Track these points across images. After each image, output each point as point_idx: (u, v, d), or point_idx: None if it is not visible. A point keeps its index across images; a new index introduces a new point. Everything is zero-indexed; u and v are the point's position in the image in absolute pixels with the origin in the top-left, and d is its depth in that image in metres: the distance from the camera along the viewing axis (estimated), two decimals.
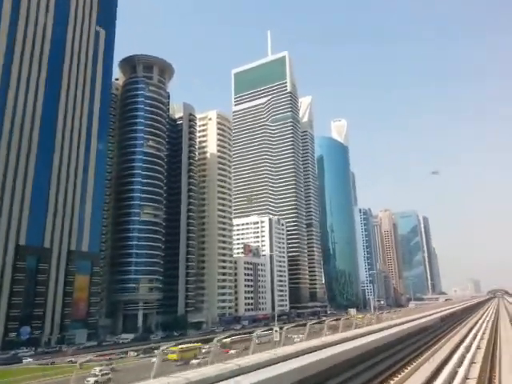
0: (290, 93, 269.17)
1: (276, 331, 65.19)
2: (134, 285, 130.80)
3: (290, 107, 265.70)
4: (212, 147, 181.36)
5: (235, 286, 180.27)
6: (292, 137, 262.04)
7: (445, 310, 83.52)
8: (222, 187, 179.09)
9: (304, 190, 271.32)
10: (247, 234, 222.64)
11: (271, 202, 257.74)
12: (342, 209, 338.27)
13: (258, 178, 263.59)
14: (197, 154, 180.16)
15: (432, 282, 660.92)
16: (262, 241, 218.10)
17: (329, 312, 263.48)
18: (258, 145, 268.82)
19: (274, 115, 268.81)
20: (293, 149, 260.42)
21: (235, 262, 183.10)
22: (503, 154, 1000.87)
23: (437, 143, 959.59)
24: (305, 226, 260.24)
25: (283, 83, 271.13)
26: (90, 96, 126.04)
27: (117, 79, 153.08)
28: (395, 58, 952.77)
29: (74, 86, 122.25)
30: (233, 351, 42.20)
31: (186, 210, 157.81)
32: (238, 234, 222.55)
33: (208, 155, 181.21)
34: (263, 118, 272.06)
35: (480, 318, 79.39)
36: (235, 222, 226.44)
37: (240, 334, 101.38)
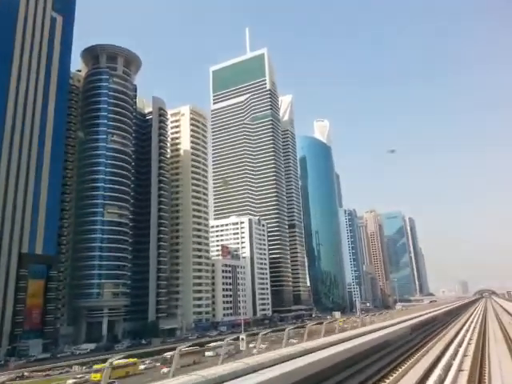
0: (270, 90, 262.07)
1: (242, 339, 56.43)
2: (97, 290, 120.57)
3: (270, 105, 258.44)
4: (185, 144, 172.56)
5: (213, 290, 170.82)
6: (272, 135, 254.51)
7: (422, 314, 75.52)
8: (197, 185, 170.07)
9: (286, 189, 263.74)
10: (226, 235, 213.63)
11: (252, 202, 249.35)
12: (326, 210, 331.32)
13: (238, 178, 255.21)
14: (169, 151, 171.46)
15: (419, 283, 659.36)
16: (242, 242, 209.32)
17: (314, 315, 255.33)
18: (238, 144, 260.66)
19: (254, 113, 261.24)
20: (273, 148, 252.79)
21: (213, 265, 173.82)
22: (491, 154, 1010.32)
23: (424, 144, 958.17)
24: (287, 226, 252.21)
25: (262, 81, 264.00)
26: (44, 88, 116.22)
27: (79, 71, 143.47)
28: (381, 54, 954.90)
29: (25, 76, 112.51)
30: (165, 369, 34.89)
31: (157, 210, 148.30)
32: (217, 236, 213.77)
33: (181, 152, 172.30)
34: (242, 116, 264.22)
35: (464, 324, 71.60)
36: (214, 223, 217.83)
37: (211, 341, 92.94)
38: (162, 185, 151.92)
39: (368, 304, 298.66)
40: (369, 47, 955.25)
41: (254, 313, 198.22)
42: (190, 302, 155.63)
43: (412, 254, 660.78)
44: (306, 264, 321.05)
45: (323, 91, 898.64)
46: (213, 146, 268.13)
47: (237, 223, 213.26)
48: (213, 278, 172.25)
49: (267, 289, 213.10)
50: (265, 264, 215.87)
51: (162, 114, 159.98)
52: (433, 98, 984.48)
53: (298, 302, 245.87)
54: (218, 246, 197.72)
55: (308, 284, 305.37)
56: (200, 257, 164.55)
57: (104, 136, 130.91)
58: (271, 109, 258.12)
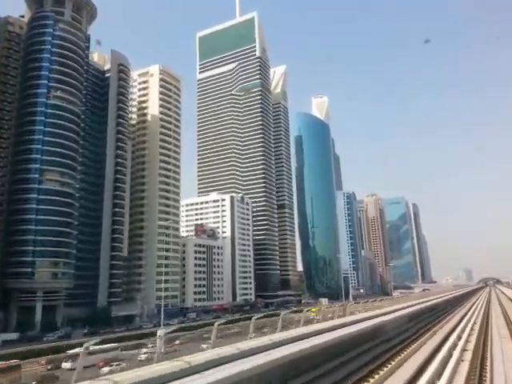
0: (260, 58, 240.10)
1: (159, 338, 37.21)
2: (30, 269, 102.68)
3: (259, 74, 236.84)
4: (153, 108, 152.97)
5: (183, 273, 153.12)
6: (261, 108, 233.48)
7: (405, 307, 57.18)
8: (166, 156, 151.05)
9: (276, 167, 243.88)
10: (206, 213, 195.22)
11: (238, 179, 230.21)
12: (322, 192, 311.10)
13: (224, 153, 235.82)
14: (135, 116, 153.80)
15: (422, 270, 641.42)
16: (223, 221, 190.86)
17: (304, 301, 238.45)
18: (225, 117, 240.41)
19: (242, 83, 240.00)
20: (262, 121, 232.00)
21: (184, 245, 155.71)
22: (498, 139, 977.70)
23: (430, 124, 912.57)
24: (276, 206, 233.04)
25: (252, 47, 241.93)
26: None
27: (22, 16, 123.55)
28: (384, 28, 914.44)
29: None
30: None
31: (112, 181, 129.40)
32: (196, 215, 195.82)
33: (148, 118, 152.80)
34: (230, 86, 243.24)
35: (460, 321, 52.82)
36: (194, 200, 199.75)
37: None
38: (119, 152, 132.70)
39: (362, 290, 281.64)
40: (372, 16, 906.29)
41: (234, 298, 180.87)
42: (153, 286, 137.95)
43: (415, 241, 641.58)
44: (300, 248, 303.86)
45: (323, 68, 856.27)
46: (198, 119, 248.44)
47: (217, 200, 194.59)
48: (183, 259, 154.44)
49: (250, 272, 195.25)
50: (248, 245, 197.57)
51: (122, 71, 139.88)
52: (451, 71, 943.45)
53: (286, 286, 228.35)
54: (197, 225, 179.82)
55: (300, 268, 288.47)
56: (168, 235, 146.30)
57: (44, 90, 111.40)
58: (260, 78, 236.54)
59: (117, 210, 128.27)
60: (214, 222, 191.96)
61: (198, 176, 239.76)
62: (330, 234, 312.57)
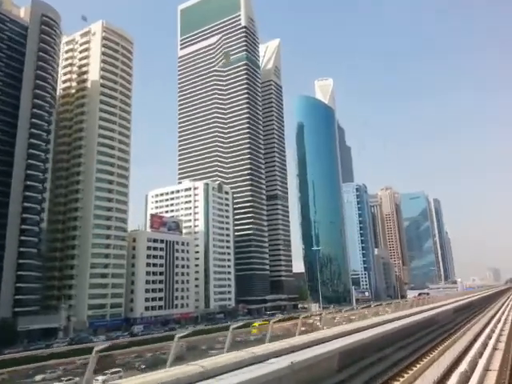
0: (245, 28, 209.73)
1: None
2: None
3: (245, 46, 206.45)
4: (94, 73, 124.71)
5: (132, 274, 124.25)
6: (247, 84, 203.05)
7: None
8: (110, 130, 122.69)
9: (266, 152, 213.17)
10: (177, 204, 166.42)
11: (222, 166, 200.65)
12: (326, 181, 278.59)
13: (207, 137, 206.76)
14: (74, 83, 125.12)
15: (444, 270, 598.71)
16: (195, 213, 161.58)
17: (300, 306, 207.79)
18: (207, 96, 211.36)
19: (226, 57, 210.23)
20: (248, 99, 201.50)
21: (134, 240, 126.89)
22: None
23: (453, 113, 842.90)
24: (265, 197, 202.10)
25: (236, 17, 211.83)
26: None
27: None
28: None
29: None
30: None
31: (24, 158, 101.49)
32: (166, 206, 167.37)
33: (88, 85, 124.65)
34: (213, 62, 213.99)
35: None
36: (164, 190, 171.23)
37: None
38: (35, 120, 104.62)
39: (367, 293, 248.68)
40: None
41: (207, 304, 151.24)
42: (86, 291, 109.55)
43: (437, 239, 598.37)
44: (302, 246, 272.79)
45: (332, 55, 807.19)
46: (179, 100, 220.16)
47: (189, 189, 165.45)
48: (133, 257, 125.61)
49: (229, 273, 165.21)
50: (227, 241, 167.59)
51: (46, 23, 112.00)
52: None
53: (277, 290, 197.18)
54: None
55: (296, 269, 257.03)
56: (109, 227, 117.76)
57: None
58: (246, 51, 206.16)
59: (28, 193, 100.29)
60: (186, 215, 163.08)
61: (179, 163, 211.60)
62: (336, 230, 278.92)
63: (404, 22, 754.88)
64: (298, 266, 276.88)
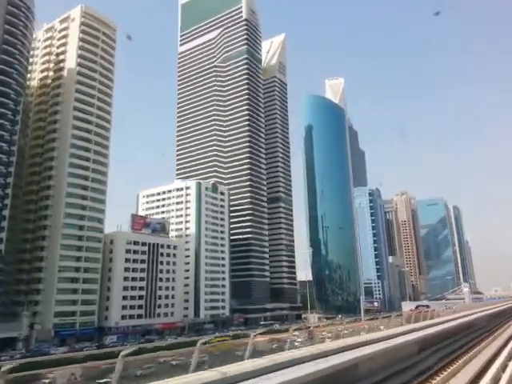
0: (247, 21, 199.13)
1: None
2: None
3: (246, 40, 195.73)
4: (71, 61, 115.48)
5: (109, 279, 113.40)
6: (248, 80, 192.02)
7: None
8: (86, 122, 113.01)
9: (268, 152, 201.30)
10: (169, 205, 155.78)
11: (221, 166, 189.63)
12: (335, 185, 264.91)
13: (205, 135, 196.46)
14: (51, 72, 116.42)
15: (465, 280, 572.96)
16: (187, 214, 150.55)
17: (304, 316, 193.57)
18: (206, 93, 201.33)
19: (226, 53, 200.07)
20: (248, 95, 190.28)
21: (111, 242, 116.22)
22: None
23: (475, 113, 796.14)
24: (265, 199, 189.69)
25: (237, 9, 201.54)
26: None
27: None
28: None
29: None
30: None
31: None
32: (157, 207, 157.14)
33: (65, 73, 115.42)
34: (213, 57, 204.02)
35: None
36: (155, 190, 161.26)
37: None
38: None
39: (376, 304, 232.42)
40: None
41: (196, 313, 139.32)
42: (53, 297, 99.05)
43: (456, 248, 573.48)
44: (310, 253, 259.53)
45: (343, 54, 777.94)
46: (178, 97, 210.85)
47: (181, 189, 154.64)
48: (110, 260, 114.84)
49: (224, 279, 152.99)
50: (222, 245, 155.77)
51: (13, 4, 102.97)
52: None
53: (278, 298, 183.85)
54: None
55: (301, 277, 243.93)
56: (82, 227, 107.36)
57: None
58: (247, 45, 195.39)
59: None
60: (178, 216, 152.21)
61: (177, 162, 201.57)
62: (346, 236, 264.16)
63: (429, 14, 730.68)
64: (306, 274, 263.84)
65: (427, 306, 68.11)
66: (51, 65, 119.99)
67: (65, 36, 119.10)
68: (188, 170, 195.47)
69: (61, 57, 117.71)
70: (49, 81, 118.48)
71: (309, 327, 42.98)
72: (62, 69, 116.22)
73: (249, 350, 12.75)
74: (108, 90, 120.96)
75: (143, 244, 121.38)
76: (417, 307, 73.52)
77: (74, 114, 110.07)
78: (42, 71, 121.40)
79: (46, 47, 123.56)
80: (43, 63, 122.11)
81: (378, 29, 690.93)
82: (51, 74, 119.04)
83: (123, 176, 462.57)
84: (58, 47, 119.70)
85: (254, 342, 13.35)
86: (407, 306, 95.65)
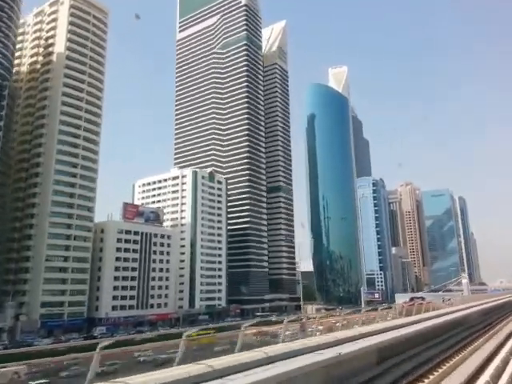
0: (246, 6, 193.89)
1: None
2: None
3: (246, 26, 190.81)
4: (60, 45, 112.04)
5: (99, 270, 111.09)
6: (247, 67, 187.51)
7: None
8: (76, 108, 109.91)
9: (268, 141, 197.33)
10: (164, 194, 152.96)
11: (219, 154, 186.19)
12: (337, 174, 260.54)
13: (203, 123, 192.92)
14: (41, 57, 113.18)
15: (469, 271, 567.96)
16: (183, 203, 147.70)
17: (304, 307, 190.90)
18: (205, 80, 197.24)
19: (225, 39, 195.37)
20: (247, 83, 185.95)
21: (102, 231, 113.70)
22: None
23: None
24: (265, 189, 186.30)
25: None
26: None
27: None
28: None
29: None
30: None
31: None
32: (153, 196, 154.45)
33: (54, 58, 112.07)
34: (212, 44, 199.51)
35: None
36: (151, 179, 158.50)
37: None
38: None
39: (377, 295, 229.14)
40: None
41: (192, 304, 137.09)
42: (40, 287, 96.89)
43: (461, 239, 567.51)
44: (311, 244, 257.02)
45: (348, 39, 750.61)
46: (176, 85, 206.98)
47: (177, 177, 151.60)
48: (101, 250, 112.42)
49: (220, 270, 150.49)
50: (219, 235, 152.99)
51: None
52: None
53: (277, 289, 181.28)
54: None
55: (306, 267, 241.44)
56: (71, 216, 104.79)
57: None
58: (247, 30, 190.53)
59: None
60: (173, 205, 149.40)
61: (175, 151, 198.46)
62: (348, 227, 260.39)
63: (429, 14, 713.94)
64: (308, 265, 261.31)
65: (422, 298, 64.63)
66: (41, 49, 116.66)
67: (54, 20, 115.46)
68: (186, 158, 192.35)
69: (50, 41, 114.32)
70: (38, 66, 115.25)
71: (301, 319, 40.14)
72: (51, 53, 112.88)
73: (239, 344, 11.85)
74: (99, 75, 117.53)
75: (135, 233, 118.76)
76: (411, 299, 69.83)
77: (62, 99, 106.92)
78: (32, 56, 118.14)
79: (35, 31, 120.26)
80: (33, 48, 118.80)
81: (378, 28, 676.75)
82: (40, 58, 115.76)
83: (122, 167, 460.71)
84: (47, 31, 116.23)
85: (235, 335, 12.56)
86: (401, 299, 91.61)
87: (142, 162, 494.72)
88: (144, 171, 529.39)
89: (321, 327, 27.43)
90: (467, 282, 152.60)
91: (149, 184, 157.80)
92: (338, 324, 24.32)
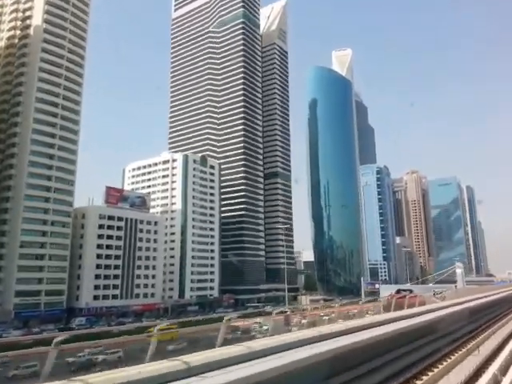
0: None
1: None
2: None
3: (242, 2, 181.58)
4: (38, 18, 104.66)
5: (79, 257, 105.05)
6: (243, 46, 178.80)
7: None
8: (53, 84, 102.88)
9: (266, 124, 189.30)
10: (155, 179, 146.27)
11: (214, 139, 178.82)
12: (340, 162, 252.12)
13: (199, 106, 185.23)
14: (18, 31, 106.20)
15: (476, 262, 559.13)
16: (173, 189, 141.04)
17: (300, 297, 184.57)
18: (200, 60, 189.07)
19: (221, 17, 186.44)
20: (244, 62, 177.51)
21: (83, 216, 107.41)
22: None
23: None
24: (261, 174, 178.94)
25: None
26: None
27: None
28: None
29: None
30: None
31: None
32: (142, 181, 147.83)
33: (31, 31, 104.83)
34: (207, 22, 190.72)
35: None
36: (141, 163, 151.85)
37: None
38: None
39: (377, 286, 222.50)
40: None
41: (181, 294, 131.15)
42: (14, 275, 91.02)
43: (469, 229, 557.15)
44: (313, 232, 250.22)
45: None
46: (171, 66, 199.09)
47: (168, 161, 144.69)
48: (81, 237, 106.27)
49: (213, 258, 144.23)
50: (211, 222, 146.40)
51: None
52: None
53: (273, 278, 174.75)
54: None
55: (308, 257, 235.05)
56: (47, 199, 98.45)
57: None
58: (244, 7, 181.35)
59: None
60: (163, 191, 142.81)
61: (170, 135, 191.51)
62: (351, 215, 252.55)
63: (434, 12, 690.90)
64: (311, 255, 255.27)
65: (410, 291, 57.66)
66: (18, 23, 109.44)
67: None
68: (181, 143, 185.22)
69: (27, 13, 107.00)
70: (16, 40, 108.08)
71: (285, 312, 33.66)
72: (28, 27, 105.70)
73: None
74: (80, 49, 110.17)
75: (119, 219, 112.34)
76: (398, 291, 62.67)
77: (39, 75, 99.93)
78: (9, 30, 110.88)
79: (13, 3, 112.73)
80: (10, 21, 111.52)
81: (387, 13, 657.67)
82: (18, 32, 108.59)
83: (116, 155, 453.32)
84: (24, 3, 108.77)
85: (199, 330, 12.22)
86: (387, 290, 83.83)
87: (138, 150, 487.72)
88: (139, 158, 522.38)
89: (304, 321, 24.35)
90: (462, 271, 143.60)
91: (139, 168, 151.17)
92: (325, 318, 22.12)
